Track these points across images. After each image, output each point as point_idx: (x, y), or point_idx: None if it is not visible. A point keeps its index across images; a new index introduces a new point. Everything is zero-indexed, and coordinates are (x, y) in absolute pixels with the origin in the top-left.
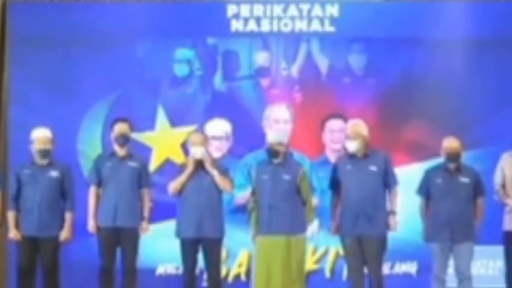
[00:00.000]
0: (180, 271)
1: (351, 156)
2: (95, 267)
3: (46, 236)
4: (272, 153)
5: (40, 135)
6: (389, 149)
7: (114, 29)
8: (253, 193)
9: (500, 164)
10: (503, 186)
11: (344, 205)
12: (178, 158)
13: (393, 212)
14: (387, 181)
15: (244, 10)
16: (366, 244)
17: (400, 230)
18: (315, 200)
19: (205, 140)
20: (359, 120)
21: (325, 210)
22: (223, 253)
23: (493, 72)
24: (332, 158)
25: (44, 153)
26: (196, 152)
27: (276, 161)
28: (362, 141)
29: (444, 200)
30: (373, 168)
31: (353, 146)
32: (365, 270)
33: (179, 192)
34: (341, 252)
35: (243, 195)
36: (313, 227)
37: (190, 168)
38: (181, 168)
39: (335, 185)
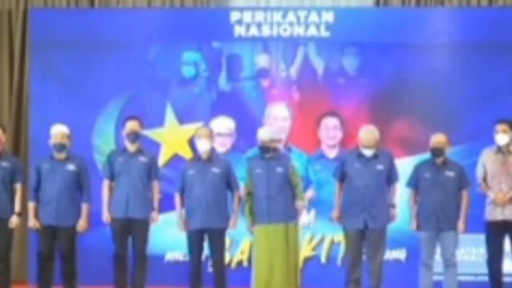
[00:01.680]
0: (187, 258)
1: (360, 154)
2: (109, 253)
3: (64, 226)
4: (264, 148)
5: (57, 131)
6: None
7: (127, 34)
8: (247, 186)
9: (481, 159)
10: (485, 179)
11: (351, 200)
12: (186, 153)
13: (393, 205)
14: (390, 177)
15: (247, 16)
16: (369, 235)
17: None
18: (312, 192)
19: (212, 134)
20: (372, 127)
21: (321, 201)
22: (227, 241)
23: (474, 74)
24: (327, 152)
25: (60, 147)
26: (203, 143)
27: (267, 155)
28: (376, 147)
29: (432, 192)
30: (380, 167)
31: (369, 153)
32: (364, 257)
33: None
34: (336, 239)
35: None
36: (310, 216)
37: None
38: (189, 163)
39: (341, 175)
